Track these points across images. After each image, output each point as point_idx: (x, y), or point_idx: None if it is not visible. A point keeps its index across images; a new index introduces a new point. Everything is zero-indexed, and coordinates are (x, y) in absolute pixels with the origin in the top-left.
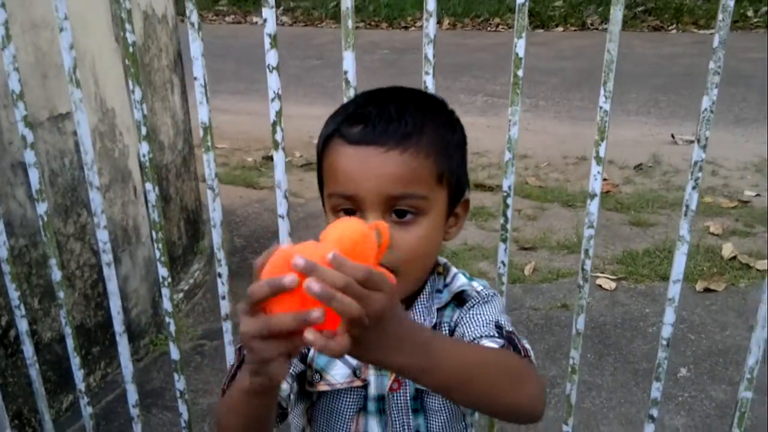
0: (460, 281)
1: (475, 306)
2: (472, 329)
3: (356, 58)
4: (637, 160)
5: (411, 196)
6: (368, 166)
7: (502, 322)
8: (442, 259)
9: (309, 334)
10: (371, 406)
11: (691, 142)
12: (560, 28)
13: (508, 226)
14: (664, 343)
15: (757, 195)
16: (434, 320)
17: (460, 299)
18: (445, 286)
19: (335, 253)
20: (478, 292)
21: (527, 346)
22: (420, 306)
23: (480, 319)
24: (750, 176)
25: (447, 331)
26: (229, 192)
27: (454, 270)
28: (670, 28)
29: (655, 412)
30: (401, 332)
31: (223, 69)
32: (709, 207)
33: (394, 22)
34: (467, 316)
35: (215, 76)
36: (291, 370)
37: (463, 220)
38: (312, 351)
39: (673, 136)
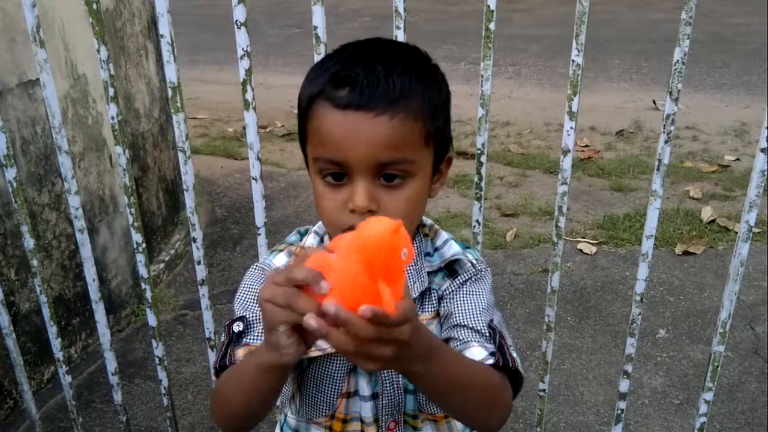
0: (454, 249)
1: (468, 283)
2: (463, 317)
3: (334, 22)
4: (619, 126)
5: (400, 161)
6: (358, 132)
7: (495, 322)
8: (428, 221)
9: (312, 321)
10: None
11: None
12: None
13: (483, 185)
14: (638, 299)
15: (737, 159)
16: (425, 285)
17: (451, 269)
18: (436, 249)
19: (370, 309)
20: (472, 264)
21: (515, 355)
22: (408, 269)
23: (473, 309)
24: (730, 141)
25: (435, 299)
26: (209, 162)
27: (443, 234)
28: None
29: (629, 368)
30: (420, 347)
31: (202, 40)
32: (690, 171)
33: None
34: (459, 294)
35: (194, 47)
36: None
37: (446, 176)
38: None
39: (654, 102)
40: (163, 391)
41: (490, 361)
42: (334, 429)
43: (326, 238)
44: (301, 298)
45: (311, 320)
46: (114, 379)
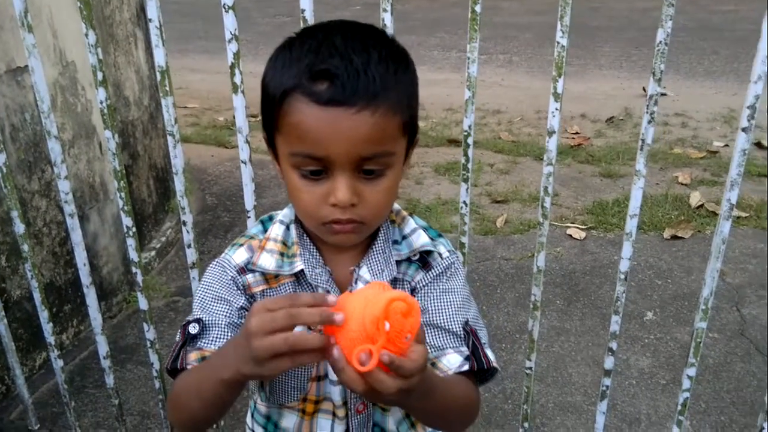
0: (422, 239)
1: (442, 277)
2: (439, 317)
3: (324, 10)
4: (609, 113)
5: (381, 154)
6: (339, 128)
7: (470, 318)
8: (396, 206)
9: (336, 352)
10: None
11: (663, 95)
12: None
13: (470, 166)
14: (622, 277)
15: (725, 145)
16: (393, 273)
17: (424, 261)
18: (404, 237)
19: (389, 355)
20: (442, 257)
21: (489, 354)
22: (377, 256)
23: (449, 308)
24: (719, 127)
25: (408, 289)
26: (200, 151)
27: (411, 221)
28: None
29: (614, 345)
30: (422, 388)
31: (192, 29)
32: (679, 158)
33: None
34: (434, 290)
35: (184, 36)
36: (242, 320)
37: (412, 156)
38: None
39: (644, 89)
40: (155, 374)
41: (465, 367)
42: (307, 411)
43: (293, 227)
44: (309, 339)
45: (336, 352)
46: (106, 363)
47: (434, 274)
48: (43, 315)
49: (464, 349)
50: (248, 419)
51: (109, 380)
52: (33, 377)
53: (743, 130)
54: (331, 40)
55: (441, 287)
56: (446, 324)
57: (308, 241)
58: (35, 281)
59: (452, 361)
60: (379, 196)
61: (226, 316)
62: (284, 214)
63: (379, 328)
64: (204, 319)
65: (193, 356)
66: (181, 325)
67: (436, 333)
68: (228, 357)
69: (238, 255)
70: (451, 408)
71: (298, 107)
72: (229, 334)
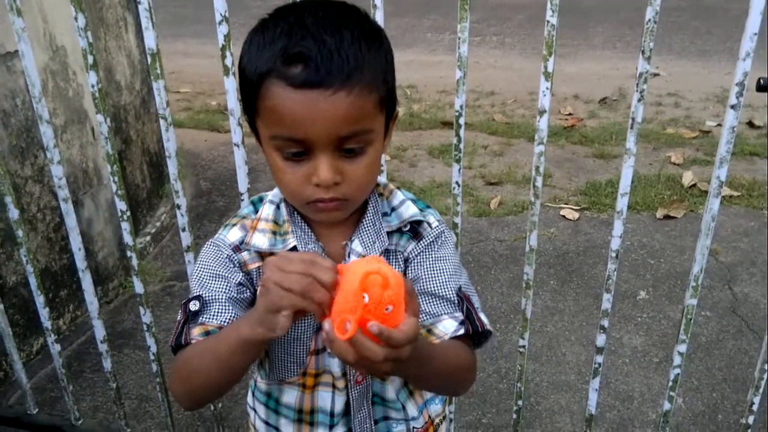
0: (411, 209)
1: (433, 246)
2: (432, 284)
3: None
4: (602, 93)
5: (360, 132)
6: (316, 110)
7: (463, 284)
8: (382, 180)
9: (326, 324)
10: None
11: (656, 75)
12: None
13: (461, 146)
14: (614, 255)
15: (718, 125)
16: (385, 245)
17: (415, 231)
18: (393, 209)
19: (377, 326)
20: (430, 225)
21: (483, 318)
22: (367, 229)
23: (442, 275)
24: (712, 107)
25: (401, 260)
26: (193, 136)
27: (398, 193)
28: None
29: (605, 323)
30: (415, 358)
31: (183, 13)
32: (671, 138)
33: None
34: (426, 259)
35: (177, 20)
36: (241, 295)
37: (393, 130)
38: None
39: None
40: (152, 358)
41: (461, 331)
42: (307, 385)
43: (283, 205)
44: (319, 290)
45: (326, 324)
46: (103, 347)
47: (425, 243)
48: (39, 300)
49: (459, 314)
50: (249, 398)
51: (107, 364)
52: (31, 362)
53: (732, 107)
54: (302, 21)
55: (433, 256)
56: (440, 291)
57: (299, 218)
58: (30, 267)
59: (448, 326)
60: (361, 173)
61: (224, 291)
62: (274, 194)
63: (357, 300)
64: (204, 295)
65: (196, 331)
66: (181, 303)
67: (431, 300)
68: (247, 317)
69: (231, 234)
70: (450, 373)
71: (275, 91)
72: (230, 308)
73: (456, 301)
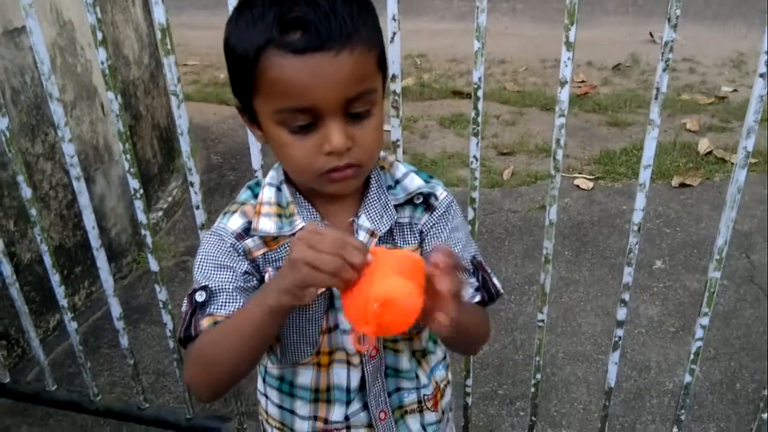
0: (417, 181)
1: (445, 216)
2: None
3: None
4: (615, 60)
5: (365, 92)
6: (323, 73)
7: (477, 256)
8: (381, 152)
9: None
10: (338, 303)
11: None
12: None
13: (479, 120)
14: (635, 228)
15: (734, 90)
16: (393, 218)
17: (428, 203)
18: (397, 182)
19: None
20: (439, 198)
21: (496, 282)
22: (373, 203)
23: (457, 246)
24: (727, 72)
25: (417, 232)
26: (202, 109)
27: (400, 165)
28: None
29: (626, 297)
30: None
31: None
32: (687, 104)
33: None
34: (444, 232)
35: None
36: (248, 284)
37: (386, 90)
38: (268, 277)
39: (651, 35)
40: (168, 334)
41: (477, 298)
42: (322, 363)
43: (284, 187)
44: (349, 272)
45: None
46: (120, 324)
47: (438, 214)
48: (55, 278)
49: (474, 280)
50: (260, 385)
51: (124, 341)
52: (48, 338)
53: (761, 75)
54: None
55: (449, 227)
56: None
57: (302, 198)
58: (45, 245)
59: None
60: (371, 135)
61: (231, 282)
62: (271, 176)
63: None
64: (210, 285)
65: (205, 322)
66: (186, 294)
67: None
68: (268, 288)
69: (233, 222)
70: (476, 327)
71: (276, 62)
72: (238, 297)
73: (471, 270)
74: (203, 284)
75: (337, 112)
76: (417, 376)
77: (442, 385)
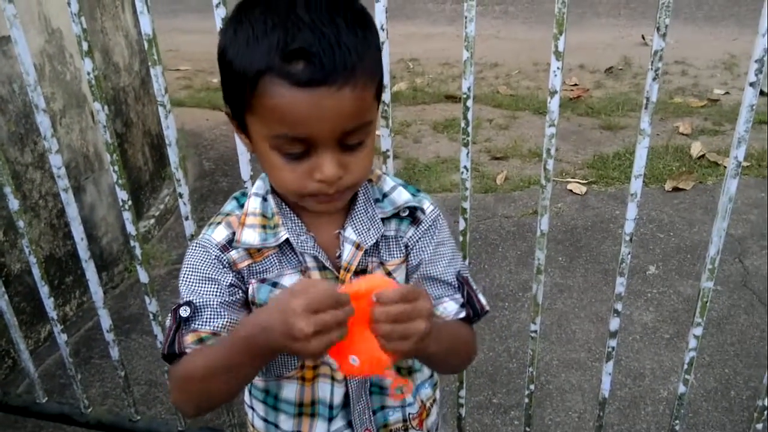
0: (404, 195)
1: (431, 231)
2: (434, 269)
3: None
4: (608, 63)
5: (362, 125)
6: (322, 107)
7: (463, 272)
8: None
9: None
10: None
11: None
12: None
13: (469, 130)
14: (627, 238)
15: (726, 93)
16: (380, 231)
17: (414, 217)
18: (385, 196)
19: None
20: (426, 212)
21: (482, 299)
22: (360, 216)
23: (442, 260)
24: (719, 74)
25: (402, 245)
26: (195, 115)
27: (388, 179)
28: None
29: (619, 307)
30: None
31: None
32: (679, 107)
33: None
34: (429, 247)
35: None
36: (233, 298)
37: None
38: (252, 289)
39: (643, 37)
40: (159, 346)
41: (462, 314)
42: (306, 377)
43: (270, 197)
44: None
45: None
46: (110, 336)
47: (423, 228)
48: (44, 290)
49: (458, 296)
50: (246, 397)
51: (114, 353)
52: (39, 349)
53: (751, 85)
54: (294, 12)
55: (434, 241)
56: (442, 276)
57: (288, 209)
58: (34, 258)
59: (449, 308)
60: (363, 163)
61: (216, 296)
62: (258, 186)
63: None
64: (194, 301)
65: (189, 339)
66: (170, 309)
67: (433, 284)
68: (263, 332)
69: (217, 233)
70: (458, 346)
71: (276, 90)
72: (223, 313)
73: (456, 285)
74: (188, 299)
75: (331, 143)
76: (402, 393)
77: (428, 404)
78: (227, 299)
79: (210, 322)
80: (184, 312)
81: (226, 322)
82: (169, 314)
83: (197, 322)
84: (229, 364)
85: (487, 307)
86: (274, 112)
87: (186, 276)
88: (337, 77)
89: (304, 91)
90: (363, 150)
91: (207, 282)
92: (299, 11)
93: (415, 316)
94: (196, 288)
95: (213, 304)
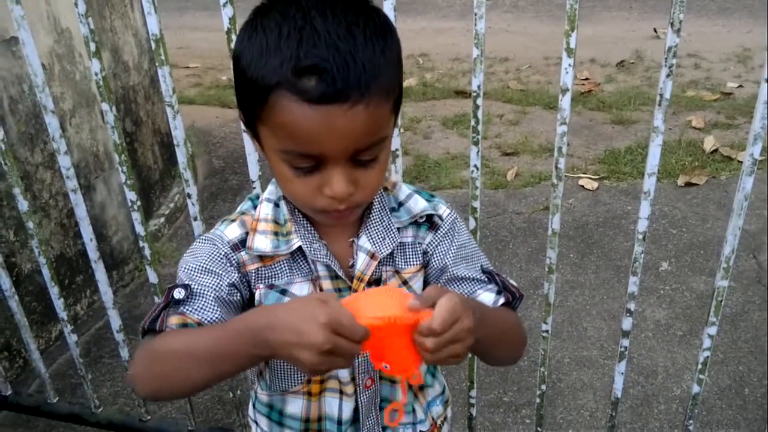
0: (420, 203)
1: (450, 235)
2: (459, 270)
3: None
4: (619, 57)
5: (376, 143)
6: (333, 126)
7: (488, 266)
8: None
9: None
10: None
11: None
12: None
13: (479, 128)
14: (640, 237)
15: (740, 86)
16: (396, 241)
17: (432, 222)
18: (401, 204)
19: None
20: (443, 218)
21: (513, 282)
22: (375, 225)
23: (466, 261)
24: (733, 67)
25: (420, 252)
26: (204, 113)
27: (404, 187)
28: None
29: (632, 306)
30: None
31: None
32: (692, 101)
33: None
34: (451, 250)
35: None
36: (231, 297)
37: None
38: (259, 294)
39: (655, 30)
40: None
41: (501, 300)
42: (313, 392)
43: (282, 203)
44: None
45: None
46: (119, 337)
47: (442, 233)
48: (54, 291)
49: (492, 286)
50: (250, 411)
51: (124, 353)
52: (50, 349)
53: (766, 81)
54: (310, 22)
55: (456, 244)
56: (468, 274)
57: (300, 216)
58: (43, 258)
59: (485, 299)
60: (375, 178)
61: (213, 289)
62: (270, 191)
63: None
64: (192, 287)
65: (174, 320)
66: (166, 287)
67: (462, 283)
68: (260, 342)
69: (230, 230)
70: (509, 331)
71: (287, 105)
72: (216, 308)
73: (485, 279)
74: (186, 282)
75: (342, 160)
76: (413, 410)
77: (438, 422)
78: (224, 297)
79: (200, 311)
80: (178, 294)
81: (216, 318)
82: (165, 291)
83: (187, 307)
84: (214, 352)
85: (518, 287)
86: (284, 127)
87: (187, 263)
88: (350, 94)
89: (315, 108)
90: (376, 166)
91: (208, 274)
92: (315, 21)
93: (458, 339)
94: (196, 276)
95: (208, 296)
